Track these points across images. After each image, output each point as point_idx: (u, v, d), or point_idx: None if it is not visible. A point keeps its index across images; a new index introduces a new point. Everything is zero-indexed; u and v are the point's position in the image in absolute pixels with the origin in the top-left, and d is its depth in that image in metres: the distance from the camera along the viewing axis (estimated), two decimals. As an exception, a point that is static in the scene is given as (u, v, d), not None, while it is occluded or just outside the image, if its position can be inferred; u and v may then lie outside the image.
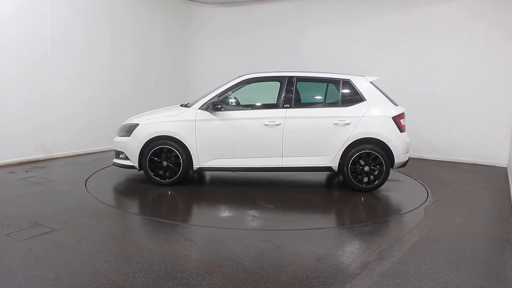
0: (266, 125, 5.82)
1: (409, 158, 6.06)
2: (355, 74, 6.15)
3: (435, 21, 8.43)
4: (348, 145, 5.77)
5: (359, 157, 5.79)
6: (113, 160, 6.26)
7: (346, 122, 5.77)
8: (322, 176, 6.85)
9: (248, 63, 9.90)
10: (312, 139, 5.84)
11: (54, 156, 7.61)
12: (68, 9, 7.64)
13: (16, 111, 6.98)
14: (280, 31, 9.98)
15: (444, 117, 8.49)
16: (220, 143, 5.89)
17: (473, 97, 8.23)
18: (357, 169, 5.81)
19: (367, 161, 5.79)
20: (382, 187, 5.90)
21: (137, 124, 6.02)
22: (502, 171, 7.71)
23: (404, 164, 6.00)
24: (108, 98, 8.65)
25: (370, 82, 6.03)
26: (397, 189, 6.20)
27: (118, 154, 6.18)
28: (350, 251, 3.91)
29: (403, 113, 5.96)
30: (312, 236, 4.26)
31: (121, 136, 6.11)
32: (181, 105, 6.41)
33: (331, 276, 3.29)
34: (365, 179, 5.87)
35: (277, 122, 5.81)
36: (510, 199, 5.78)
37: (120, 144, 6.11)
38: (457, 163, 8.30)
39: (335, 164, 5.85)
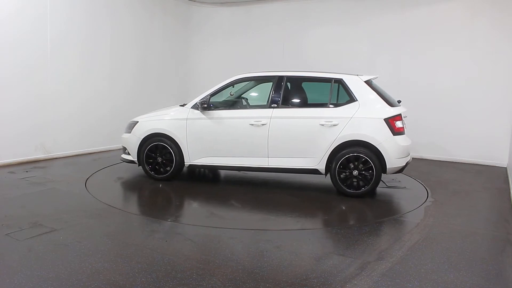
0: (252, 124, 5.79)
1: (407, 163, 5.68)
2: (349, 73, 5.92)
3: (435, 21, 8.42)
4: (335, 147, 5.52)
5: (348, 160, 5.50)
6: (121, 155, 6.60)
7: (333, 123, 5.54)
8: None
9: (248, 63, 9.88)
10: (298, 140, 5.68)
11: (54, 156, 7.61)
12: (68, 9, 7.64)
13: (16, 111, 6.97)
14: (280, 31, 9.98)
15: (444, 117, 8.48)
16: (208, 141, 5.99)
17: (474, 97, 8.22)
18: (346, 173, 5.52)
19: (356, 165, 5.49)
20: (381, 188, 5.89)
21: (137, 122, 6.35)
22: (502, 171, 7.70)
23: (401, 170, 5.64)
24: (108, 98, 8.64)
25: (365, 82, 5.70)
26: (397, 190, 6.19)
27: (124, 149, 6.54)
28: (350, 251, 3.90)
29: (399, 114, 5.55)
30: (312, 236, 4.27)
31: (126, 132, 6.46)
32: (180, 105, 6.47)
33: (331, 276, 3.29)
34: (354, 184, 5.54)
35: (263, 122, 5.76)
36: (510, 199, 5.78)
37: (124, 140, 6.49)
38: (457, 163, 8.30)
39: (321, 167, 5.62)
